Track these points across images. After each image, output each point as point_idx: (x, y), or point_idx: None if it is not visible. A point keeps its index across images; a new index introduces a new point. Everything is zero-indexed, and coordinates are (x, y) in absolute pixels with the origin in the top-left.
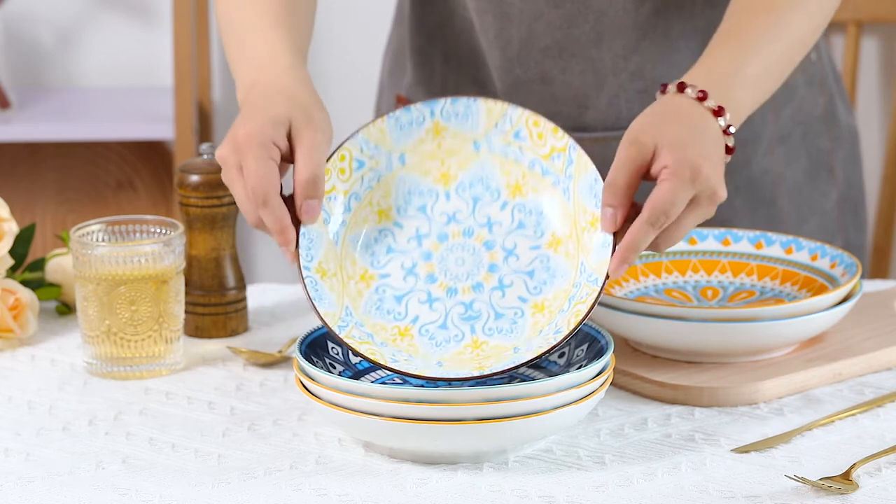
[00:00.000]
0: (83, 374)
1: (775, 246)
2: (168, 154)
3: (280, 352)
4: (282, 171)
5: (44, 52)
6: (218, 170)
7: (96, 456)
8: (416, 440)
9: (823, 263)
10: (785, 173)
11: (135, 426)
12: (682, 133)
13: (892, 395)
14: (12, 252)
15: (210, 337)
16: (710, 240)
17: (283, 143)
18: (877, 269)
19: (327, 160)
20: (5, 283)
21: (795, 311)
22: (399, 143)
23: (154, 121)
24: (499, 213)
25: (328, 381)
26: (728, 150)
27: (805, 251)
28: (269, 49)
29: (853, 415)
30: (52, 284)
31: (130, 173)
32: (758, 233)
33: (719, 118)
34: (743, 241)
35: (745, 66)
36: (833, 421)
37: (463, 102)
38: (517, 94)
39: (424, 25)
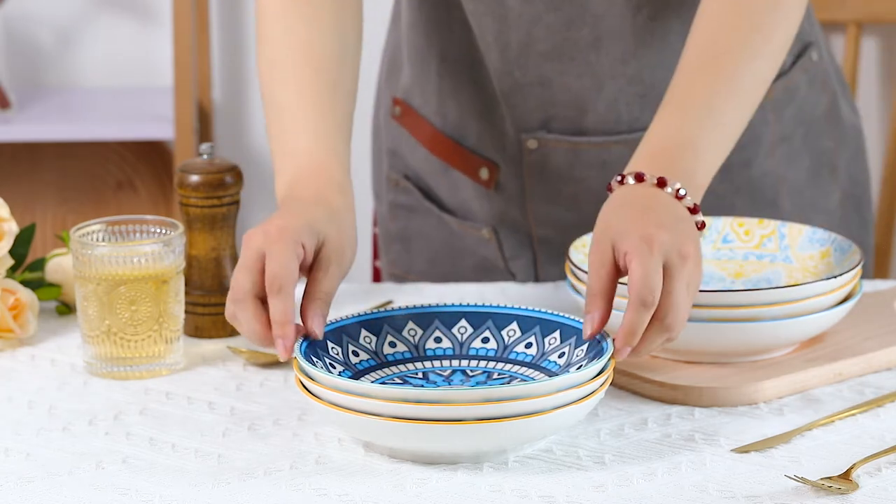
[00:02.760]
0: (83, 374)
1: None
2: (168, 154)
3: None
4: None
5: (44, 52)
6: (218, 170)
7: (96, 456)
8: (416, 440)
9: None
10: (786, 174)
11: (135, 426)
12: (629, 217)
13: (892, 395)
14: (12, 252)
15: (210, 337)
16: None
17: (310, 253)
18: (877, 269)
19: None
20: (5, 283)
21: (795, 311)
22: None
23: (154, 121)
24: (727, 285)
25: (328, 381)
26: (699, 226)
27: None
28: (309, 142)
29: (853, 415)
30: (52, 284)
31: (130, 173)
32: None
33: (682, 202)
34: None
35: (700, 133)
36: (833, 421)
37: None
38: (516, 97)
39: (421, 24)
